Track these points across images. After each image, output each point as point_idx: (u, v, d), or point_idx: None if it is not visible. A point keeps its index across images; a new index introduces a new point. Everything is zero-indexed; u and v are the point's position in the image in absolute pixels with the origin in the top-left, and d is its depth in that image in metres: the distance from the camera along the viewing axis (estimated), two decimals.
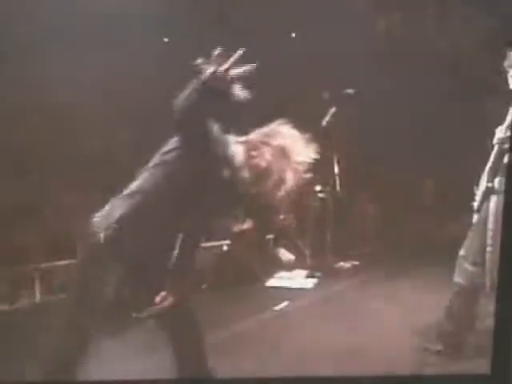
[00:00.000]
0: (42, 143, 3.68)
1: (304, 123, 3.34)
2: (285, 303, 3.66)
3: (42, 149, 3.65)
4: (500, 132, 3.26)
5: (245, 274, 3.81)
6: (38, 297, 3.62)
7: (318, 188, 4.04)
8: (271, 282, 4.00)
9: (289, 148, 2.67)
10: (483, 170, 3.36)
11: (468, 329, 3.39)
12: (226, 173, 2.67)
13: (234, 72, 2.48)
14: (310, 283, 3.98)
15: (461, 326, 3.38)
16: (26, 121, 3.63)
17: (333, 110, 3.74)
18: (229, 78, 2.47)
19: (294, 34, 3.79)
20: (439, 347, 3.36)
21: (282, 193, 2.67)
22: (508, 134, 3.29)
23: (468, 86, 3.60)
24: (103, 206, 2.74)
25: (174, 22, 3.38)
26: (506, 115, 3.33)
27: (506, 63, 3.23)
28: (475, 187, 3.41)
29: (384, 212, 4.23)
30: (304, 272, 4.06)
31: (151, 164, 2.71)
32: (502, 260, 3.27)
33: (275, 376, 2.84)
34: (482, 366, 3.15)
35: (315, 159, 2.87)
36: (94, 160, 3.66)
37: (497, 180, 3.34)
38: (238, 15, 3.45)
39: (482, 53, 3.49)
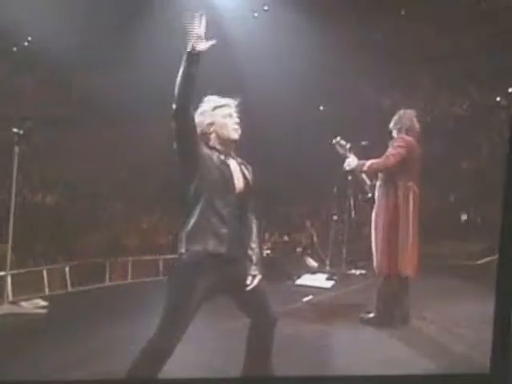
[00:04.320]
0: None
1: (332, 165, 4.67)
2: (310, 297, 4.88)
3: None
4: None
5: (280, 273, 5.15)
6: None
7: (335, 215, 5.39)
8: (299, 281, 5.37)
9: None
10: None
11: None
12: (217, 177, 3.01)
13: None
14: (329, 284, 5.30)
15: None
16: None
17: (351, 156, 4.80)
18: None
19: (321, 107, 5.32)
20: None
21: None
22: None
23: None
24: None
25: None
26: None
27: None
28: None
29: None
30: (324, 275, 5.43)
31: None
32: (500, 260, 3.52)
33: (276, 376, 3.13)
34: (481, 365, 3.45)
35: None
36: None
37: None
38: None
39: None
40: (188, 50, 2.91)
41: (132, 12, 4.55)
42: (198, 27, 2.92)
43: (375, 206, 4.33)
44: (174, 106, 2.94)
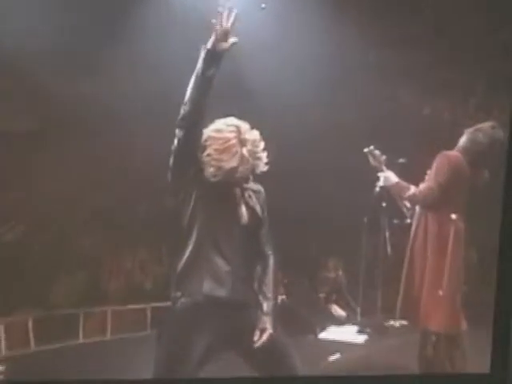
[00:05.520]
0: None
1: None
2: (337, 355, 4.47)
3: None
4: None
5: (299, 325, 4.61)
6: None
7: (366, 250, 4.84)
8: (323, 335, 4.78)
9: None
10: None
11: None
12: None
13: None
14: (361, 338, 4.74)
15: None
16: None
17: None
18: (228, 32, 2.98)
19: (347, 117, 4.59)
20: None
21: None
22: None
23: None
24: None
25: None
26: None
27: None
28: None
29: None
30: (355, 327, 4.84)
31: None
32: (500, 261, 3.84)
33: (276, 376, 3.23)
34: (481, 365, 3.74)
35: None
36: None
37: None
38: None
39: None
40: (208, 47, 2.97)
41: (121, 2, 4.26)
42: (226, 22, 2.98)
43: (410, 236, 4.27)
44: (182, 112, 3.00)
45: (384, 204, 4.56)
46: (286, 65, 4.39)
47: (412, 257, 4.24)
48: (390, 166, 4.33)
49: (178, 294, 3.07)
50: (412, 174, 4.30)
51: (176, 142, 3.04)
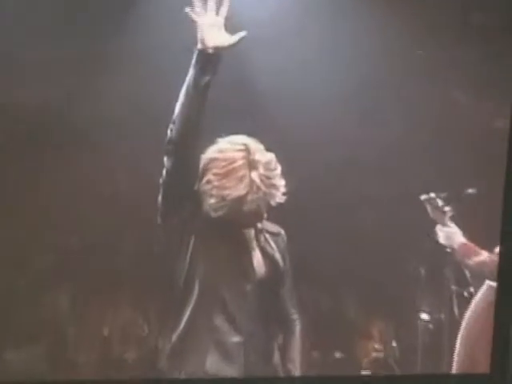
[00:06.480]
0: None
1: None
2: None
3: None
4: None
5: None
6: None
7: (424, 316, 4.19)
8: None
9: None
10: None
11: None
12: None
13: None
14: None
15: None
16: None
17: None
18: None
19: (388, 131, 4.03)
20: None
21: None
22: None
23: None
24: None
25: None
26: None
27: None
28: None
29: None
30: None
31: None
32: (501, 260, 3.82)
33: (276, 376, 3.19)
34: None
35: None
36: None
37: None
38: None
39: None
40: (199, 47, 2.81)
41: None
42: (215, 14, 2.82)
43: (470, 309, 3.98)
44: (169, 133, 2.84)
45: (448, 250, 4.02)
46: (311, 67, 4.03)
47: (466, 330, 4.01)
48: (455, 199, 3.88)
49: (175, 372, 2.89)
50: (485, 209, 3.82)
51: (164, 173, 2.91)
